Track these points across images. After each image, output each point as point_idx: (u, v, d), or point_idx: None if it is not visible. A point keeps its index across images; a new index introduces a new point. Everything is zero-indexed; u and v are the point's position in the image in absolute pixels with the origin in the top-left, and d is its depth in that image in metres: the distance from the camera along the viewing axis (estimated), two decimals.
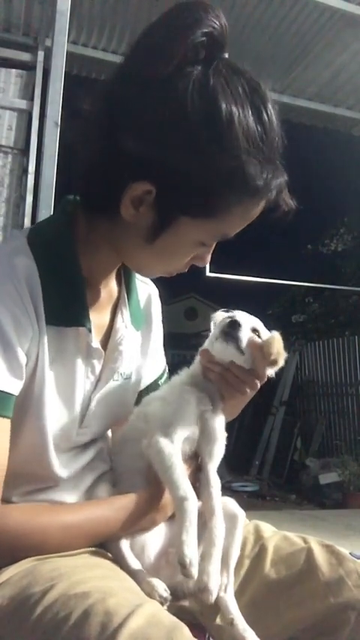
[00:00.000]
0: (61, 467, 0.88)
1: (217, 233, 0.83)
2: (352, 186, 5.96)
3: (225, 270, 5.14)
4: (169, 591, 0.83)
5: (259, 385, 0.97)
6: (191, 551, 0.78)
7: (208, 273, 4.73)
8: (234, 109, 0.74)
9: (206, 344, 0.99)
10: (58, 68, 2.97)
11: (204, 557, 0.84)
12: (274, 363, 0.95)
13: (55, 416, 0.85)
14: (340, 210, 8.60)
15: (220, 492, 0.93)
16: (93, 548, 0.83)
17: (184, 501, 0.83)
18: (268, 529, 1.02)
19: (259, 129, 0.77)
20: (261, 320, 1.01)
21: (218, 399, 0.97)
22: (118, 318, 0.95)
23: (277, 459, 7.35)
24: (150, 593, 0.80)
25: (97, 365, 0.90)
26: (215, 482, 0.93)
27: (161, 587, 0.82)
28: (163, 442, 0.88)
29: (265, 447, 7.53)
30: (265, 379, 0.97)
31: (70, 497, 0.91)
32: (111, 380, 0.93)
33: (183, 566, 0.77)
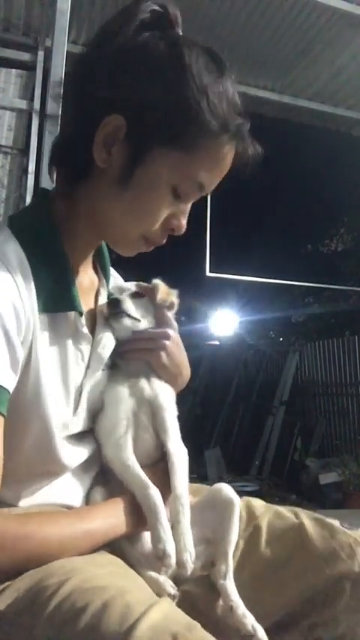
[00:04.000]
0: (66, 455, 0.88)
1: (192, 175, 0.84)
2: (352, 186, 5.94)
3: (225, 270, 5.15)
4: (176, 588, 0.84)
5: (170, 332, 0.99)
6: (163, 544, 0.81)
7: (208, 273, 4.73)
8: (191, 47, 0.82)
9: (106, 336, 0.97)
10: (58, 68, 2.97)
11: (173, 535, 0.85)
12: (170, 306, 1.00)
13: (53, 407, 0.85)
14: (340, 210, 8.58)
15: (183, 464, 0.92)
16: (101, 550, 0.84)
17: (145, 499, 0.85)
18: (259, 506, 1.05)
19: (217, 74, 0.83)
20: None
21: (150, 373, 0.97)
22: (100, 304, 0.98)
23: (277, 459, 7.35)
24: (158, 590, 0.80)
25: (86, 351, 0.91)
26: (177, 455, 0.92)
27: (168, 585, 0.84)
28: (112, 452, 0.91)
29: (265, 447, 7.52)
30: (170, 322, 1.00)
31: (74, 497, 0.91)
32: (100, 368, 0.93)
33: (160, 559, 0.81)
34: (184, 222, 0.89)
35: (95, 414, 0.95)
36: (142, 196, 0.84)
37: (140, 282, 1.02)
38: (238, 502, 0.97)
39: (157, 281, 1.02)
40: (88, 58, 0.87)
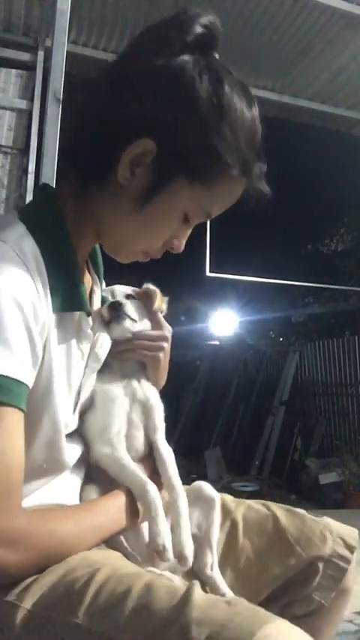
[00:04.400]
0: (68, 453, 0.90)
1: (204, 206, 0.87)
2: (352, 186, 5.94)
3: (225, 270, 5.15)
4: (182, 582, 0.86)
5: (167, 333, 1.03)
6: (162, 538, 0.83)
7: (208, 273, 4.73)
8: (233, 91, 0.83)
9: (102, 336, 0.97)
10: (58, 68, 2.97)
11: (173, 529, 0.87)
12: (162, 310, 1.05)
13: (62, 405, 0.87)
14: (340, 210, 8.57)
15: (173, 461, 0.96)
16: (101, 545, 0.86)
17: (144, 494, 0.87)
18: (230, 501, 1.13)
19: (250, 114, 0.84)
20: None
21: (141, 374, 1.01)
22: (95, 303, 1.00)
23: (277, 459, 7.35)
24: None
25: (86, 350, 0.93)
26: (167, 453, 0.97)
27: (176, 579, 0.85)
28: (105, 450, 0.92)
29: (265, 447, 7.52)
30: (166, 326, 1.04)
31: (71, 495, 0.92)
32: (97, 368, 0.95)
33: (159, 554, 0.83)
34: (183, 243, 0.93)
35: (84, 412, 0.96)
36: (155, 219, 0.87)
37: (131, 288, 1.06)
38: (219, 498, 1.04)
39: (152, 287, 1.05)
40: (126, 70, 0.85)
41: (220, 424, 8.47)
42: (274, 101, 4.67)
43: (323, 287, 8.66)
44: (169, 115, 0.80)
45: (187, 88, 0.80)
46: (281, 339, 10.40)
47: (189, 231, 0.93)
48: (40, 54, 3.91)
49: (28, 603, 0.72)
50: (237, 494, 1.10)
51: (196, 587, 0.67)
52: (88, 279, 1.02)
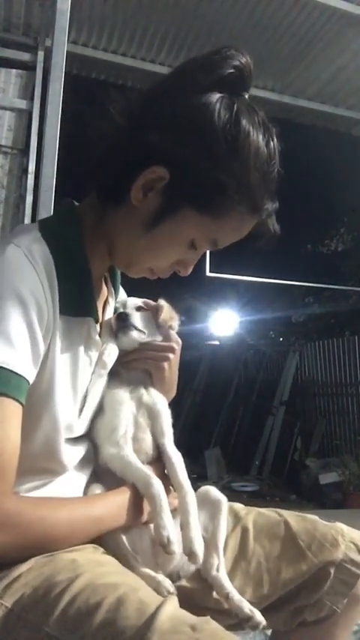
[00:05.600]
0: (67, 455, 0.91)
1: (211, 236, 0.89)
2: (352, 186, 5.94)
3: (225, 270, 5.14)
4: (173, 586, 0.88)
5: (175, 346, 1.05)
6: (167, 531, 0.84)
7: (208, 273, 4.72)
8: (251, 129, 0.84)
9: (110, 345, 1.00)
10: (58, 68, 2.97)
11: (183, 527, 0.89)
12: (171, 327, 1.06)
13: (63, 406, 0.88)
14: (340, 210, 8.58)
15: (182, 464, 0.98)
16: (94, 545, 0.86)
17: (148, 488, 0.89)
18: (240, 508, 1.13)
19: (267, 153, 0.85)
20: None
21: (148, 381, 1.04)
22: (107, 314, 1.03)
23: (277, 459, 7.35)
24: (156, 588, 0.83)
25: (94, 358, 0.95)
26: (176, 456, 0.99)
27: (167, 583, 0.88)
28: (112, 451, 0.94)
29: (265, 447, 7.53)
30: (175, 339, 1.06)
31: (72, 493, 0.93)
32: (104, 375, 0.97)
33: (164, 547, 0.84)
34: (190, 269, 0.96)
35: (93, 417, 0.98)
36: (162, 243, 0.90)
37: (146, 300, 1.08)
38: (225, 501, 1.04)
39: (163, 302, 1.08)
40: (154, 101, 0.88)
41: (220, 424, 8.47)
42: (274, 101, 4.66)
43: (323, 287, 8.67)
44: (183, 147, 0.83)
45: (203, 124, 0.83)
46: (281, 339, 10.40)
47: (197, 258, 0.95)
48: (40, 54, 3.90)
49: (8, 601, 0.73)
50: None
51: (168, 604, 0.66)
52: (104, 290, 1.04)
